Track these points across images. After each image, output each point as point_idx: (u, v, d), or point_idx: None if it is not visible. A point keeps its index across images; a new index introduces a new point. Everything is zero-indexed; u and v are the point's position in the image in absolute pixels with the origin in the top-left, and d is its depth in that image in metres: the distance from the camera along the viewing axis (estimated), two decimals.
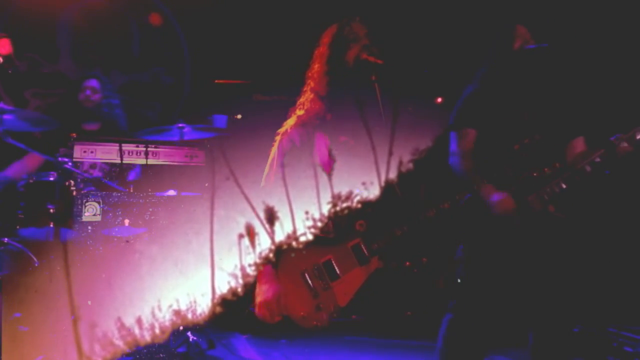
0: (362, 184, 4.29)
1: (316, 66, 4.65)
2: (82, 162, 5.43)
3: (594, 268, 4.94)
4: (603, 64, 5.40)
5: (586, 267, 4.19)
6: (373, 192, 4.27)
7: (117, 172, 5.42)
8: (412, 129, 4.36)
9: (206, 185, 5.16)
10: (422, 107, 4.77)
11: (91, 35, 7.15)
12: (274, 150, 4.59)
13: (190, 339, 5.37)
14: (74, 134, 5.51)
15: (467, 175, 4.18)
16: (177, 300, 4.50)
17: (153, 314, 4.45)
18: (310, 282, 4.28)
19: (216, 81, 6.58)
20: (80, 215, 5.13)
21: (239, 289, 4.36)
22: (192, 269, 4.52)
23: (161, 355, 5.02)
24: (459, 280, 4.20)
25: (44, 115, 5.55)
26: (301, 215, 4.26)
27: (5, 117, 5.11)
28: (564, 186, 3.93)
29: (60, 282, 4.71)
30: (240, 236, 4.28)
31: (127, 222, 5.19)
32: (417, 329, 5.66)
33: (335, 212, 4.29)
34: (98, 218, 5.14)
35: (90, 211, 5.14)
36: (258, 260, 4.30)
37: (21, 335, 4.73)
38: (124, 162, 5.33)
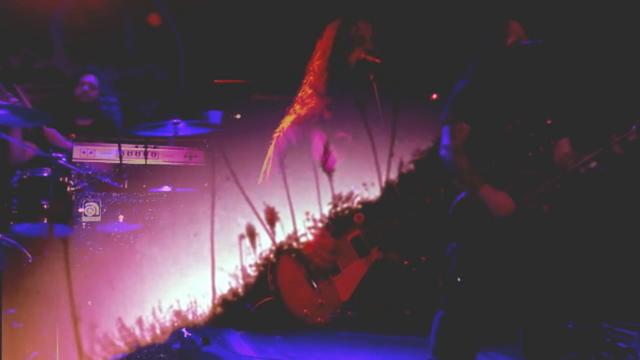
0: (363, 184, 4.31)
1: (317, 61, 4.65)
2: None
3: (586, 264, 4.99)
4: (597, 61, 5.43)
5: (577, 263, 4.24)
6: (374, 192, 4.30)
7: (115, 172, 5.39)
8: (411, 129, 4.38)
9: (205, 185, 5.14)
10: (419, 105, 4.79)
11: (85, 31, 7.10)
12: (271, 149, 4.60)
13: (185, 335, 5.37)
14: (73, 135, 5.48)
15: (461, 172, 4.19)
16: (178, 301, 4.51)
17: (154, 315, 4.46)
18: (311, 278, 4.29)
19: (215, 81, 6.55)
20: (81, 216, 5.10)
21: (240, 290, 4.38)
22: (193, 270, 4.54)
23: (162, 356, 5.01)
24: (449, 277, 4.22)
25: (37, 110, 5.50)
26: (302, 216, 4.28)
27: None
28: (557, 186, 3.98)
29: (57, 278, 4.69)
30: (241, 237, 4.29)
31: (122, 217, 5.18)
32: (414, 326, 5.67)
33: (336, 213, 4.31)
34: (98, 219, 5.12)
35: (91, 212, 5.12)
36: (259, 261, 4.32)
37: (19, 333, 4.72)
38: (123, 162, 5.29)
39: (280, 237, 4.28)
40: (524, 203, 4.01)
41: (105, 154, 5.37)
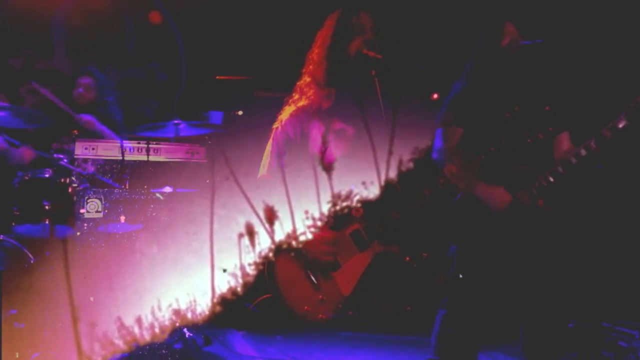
0: (362, 183, 4.30)
1: (317, 49, 4.64)
2: (76, 158, 5.42)
3: (585, 262, 4.98)
4: (593, 61, 5.43)
5: (577, 261, 4.23)
6: (373, 191, 4.29)
7: (117, 168, 5.40)
8: (412, 127, 4.37)
9: (207, 181, 5.15)
10: (420, 103, 4.79)
11: (86, 31, 7.10)
12: (270, 142, 4.61)
13: (187, 335, 5.37)
14: (76, 131, 5.50)
15: (456, 174, 4.19)
16: (177, 300, 4.50)
17: (153, 314, 4.45)
18: (311, 275, 4.29)
19: (217, 77, 6.56)
20: (83, 214, 5.11)
21: (239, 289, 4.37)
22: (192, 269, 4.52)
23: (163, 352, 5.02)
24: (451, 278, 4.22)
25: (38, 112, 5.52)
26: (301, 215, 4.27)
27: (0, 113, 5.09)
28: (551, 179, 3.96)
29: (58, 279, 4.69)
30: (240, 235, 4.29)
31: (123, 218, 5.19)
32: (415, 325, 5.66)
33: (336, 212, 4.30)
34: (100, 215, 5.13)
35: (93, 207, 5.13)
36: (258, 260, 4.31)
37: (19, 333, 4.72)
38: (125, 159, 5.31)
39: (280, 235, 4.26)
40: (519, 199, 4.01)
41: (108, 150, 5.38)
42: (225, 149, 4.58)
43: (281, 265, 4.36)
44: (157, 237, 4.92)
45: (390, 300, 5.62)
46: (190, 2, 6.70)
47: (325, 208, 4.29)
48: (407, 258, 4.67)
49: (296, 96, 4.68)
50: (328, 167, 4.35)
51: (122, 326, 4.37)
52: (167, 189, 5.41)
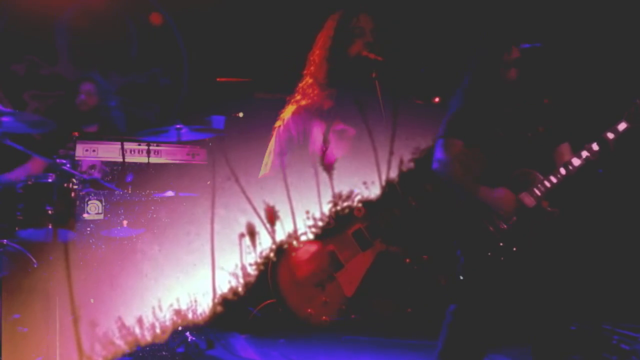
0: (363, 183, 4.31)
1: (318, 51, 4.67)
2: (81, 163, 5.44)
3: (587, 264, 4.97)
4: (593, 63, 5.44)
5: (579, 262, 4.22)
6: (374, 191, 4.30)
7: (118, 172, 5.41)
8: (413, 128, 4.38)
9: (208, 183, 5.16)
10: (421, 106, 4.80)
11: (89, 37, 7.13)
12: (272, 140, 4.62)
13: (189, 339, 5.37)
14: (77, 133, 5.51)
15: (457, 180, 4.17)
16: (178, 300, 4.51)
17: (154, 314, 4.46)
18: (314, 276, 4.28)
19: (217, 79, 6.57)
20: (83, 214, 5.13)
21: (240, 289, 4.38)
22: (193, 269, 4.54)
23: (163, 353, 5.01)
24: (460, 279, 4.20)
25: (42, 118, 5.54)
26: (302, 215, 4.28)
27: (4, 119, 5.11)
28: (554, 180, 3.96)
29: (61, 282, 4.70)
30: (242, 236, 4.29)
31: (126, 222, 5.19)
32: (417, 328, 5.65)
33: (337, 212, 4.31)
34: (101, 216, 5.14)
35: (94, 209, 5.14)
36: (259, 260, 4.32)
37: (21, 335, 4.72)
38: (126, 161, 5.32)
39: (281, 236, 4.27)
40: (523, 201, 4.00)
41: (108, 152, 5.40)
42: (226, 150, 4.60)
43: (283, 267, 4.35)
44: (158, 238, 4.93)
45: (392, 301, 5.60)
46: (190, 5, 6.72)
47: (326, 208, 4.29)
48: (408, 260, 4.65)
49: (298, 96, 4.72)
50: (328, 167, 4.36)
51: (123, 326, 4.39)
52: (170, 193, 5.42)
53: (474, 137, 4.14)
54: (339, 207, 4.29)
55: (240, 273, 4.33)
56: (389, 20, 4.89)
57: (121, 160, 5.28)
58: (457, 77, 4.42)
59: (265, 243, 4.30)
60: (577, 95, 4.64)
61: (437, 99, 5.66)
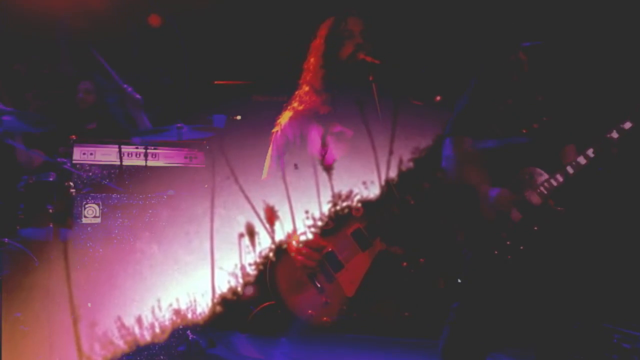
0: (363, 183, 4.30)
1: (312, 59, 4.69)
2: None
3: (593, 263, 4.95)
4: (596, 61, 5.42)
5: (586, 261, 4.21)
6: (373, 191, 4.29)
7: (116, 175, 5.43)
8: (412, 128, 4.37)
9: (206, 186, 5.17)
10: (421, 106, 4.79)
11: (90, 36, 7.13)
12: (270, 147, 4.63)
13: (190, 338, 5.37)
14: (74, 136, 5.52)
15: (466, 177, 4.17)
16: (177, 300, 4.51)
17: (153, 313, 4.46)
18: (313, 277, 4.27)
19: (215, 82, 6.58)
20: (80, 218, 5.14)
21: (239, 288, 4.37)
22: (193, 269, 4.54)
23: (162, 358, 5.02)
24: (465, 277, 4.20)
25: (43, 116, 5.55)
26: (301, 215, 4.27)
27: (4, 118, 5.12)
28: (560, 179, 3.96)
29: (60, 282, 4.71)
30: (241, 235, 4.29)
31: (123, 225, 5.20)
32: (421, 327, 5.64)
33: (336, 212, 4.30)
34: (98, 220, 5.15)
35: (91, 213, 5.15)
36: (258, 260, 4.31)
37: (21, 335, 4.74)
38: (123, 164, 5.34)
39: (280, 235, 4.27)
40: (526, 198, 3.99)
41: (106, 155, 5.41)
42: (224, 151, 4.61)
43: (282, 268, 4.35)
44: (157, 238, 4.94)
45: (392, 302, 5.60)
46: (187, 7, 6.72)
47: (326, 208, 4.29)
48: (404, 264, 4.63)
49: (295, 103, 4.71)
50: (328, 168, 4.36)
51: (122, 326, 4.39)
52: (170, 192, 5.42)
53: (481, 134, 4.14)
54: (337, 208, 4.28)
55: (239, 273, 4.32)
56: (384, 21, 4.89)
57: (119, 163, 5.30)
58: (458, 77, 4.42)
59: (264, 243, 4.29)
60: (577, 93, 4.61)
61: (438, 98, 5.66)
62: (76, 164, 5.37)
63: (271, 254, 4.30)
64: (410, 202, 4.36)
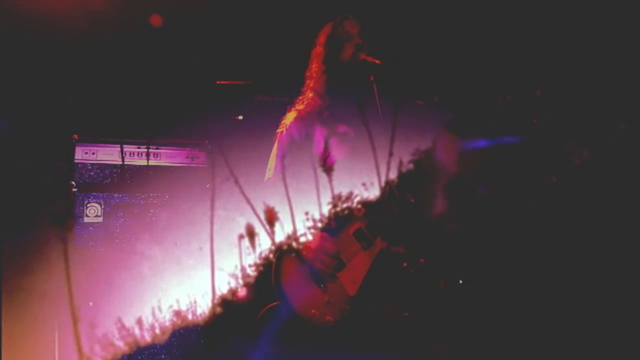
0: (362, 184, 4.31)
1: (314, 66, 4.72)
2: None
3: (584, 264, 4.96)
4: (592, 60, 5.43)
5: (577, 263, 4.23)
6: (373, 192, 4.30)
7: (118, 174, 5.44)
8: (412, 129, 4.37)
9: (207, 186, 5.19)
10: (421, 106, 4.79)
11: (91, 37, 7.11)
12: (275, 145, 4.65)
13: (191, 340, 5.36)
14: (76, 135, 5.54)
15: None
16: (178, 301, 4.52)
17: (153, 315, 4.47)
18: (316, 277, 4.28)
19: (217, 82, 6.57)
20: (82, 217, 5.16)
21: (239, 290, 4.38)
22: (193, 270, 4.54)
23: (163, 357, 5.02)
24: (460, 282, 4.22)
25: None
26: (301, 216, 4.28)
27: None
28: (554, 180, 3.97)
29: (60, 283, 4.72)
30: (241, 237, 4.29)
31: (125, 225, 5.22)
32: (424, 327, 5.64)
33: (336, 213, 4.31)
34: (100, 219, 5.17)
35: (93, 212, 5.17)
36: (258, 261, 4.31)
37: (21, 335, 4.75)
38: (125, 163, 5.36)
39: (280, 237, 4.27)
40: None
41: (108, 154, 5.42)
42: (225, 152, 4.61)
43: (285, 269, 4.36)
44: (157, 239, 4.95)
45: (392, 302, 5.60)
46: (189, 7, 6.71)
47: (326, 209, 4.29)
48: (404, 264, 4.64)
49: (300, 105, 4.74)
50: (329, 170, 4.37)
51: (122, 327, 4.40)
52: (165, 197, 5.44)
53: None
54: (338, 209, 4.28)
55: (239, 274, 4.32)
56: (382, 21, 4.90)
57: (120, 163, 5.31)
58: (457, 77, 4.44)
59: (264, 244, 4.30)
60: (576, 89, 4.63)
61: (435, 98, 5.67)
62: (78, 163, 5.37)
63: (274, 255, 4.31)
64: (411, 201, 4.36)
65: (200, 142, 5.66)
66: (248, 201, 4.24)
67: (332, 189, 4.27)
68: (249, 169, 4.55)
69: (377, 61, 4.52)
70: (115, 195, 5.29)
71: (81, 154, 5.38)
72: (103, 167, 5.42)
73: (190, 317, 4.49)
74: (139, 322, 4.42)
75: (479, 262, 4.26)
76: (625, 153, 3.93)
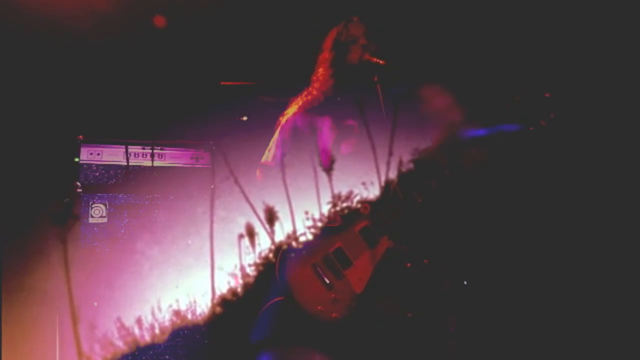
0: (362, 183, 4.30)
1: (321, 70, 4.73)
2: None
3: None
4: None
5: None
6: (373, 191, 4.29)
7: (122, 175, 5.46)
8: (412, 128, 4.36)
9: (212, 187, 5.21)
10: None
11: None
12: (276, 132, 4.66)
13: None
14: (81, 136, 5.56)
15: None
16: (177, 300, 4.53)
17: (153, 314, 4.48)
18: (322, 274, 4.27)
19: (222, 82, 6.57)
20: (87, 218, 5.19)
21: (239, 289, 4.38)
22: (192, 269, 4.55)
23: (167, 357, 5.03)
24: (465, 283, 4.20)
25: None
26: (301, 215, 4.27)
27: None
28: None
29: (60, 283, 4.74)
30: (240, 236, 4.30)
31: (129, 225, 5.24)
32: (425, 326, 5.62)
33: (342, 210, 4.31)
34: (105, 220, 5.20)
35: (98, 213, 5.19)
36: (258, 261, 4.32)
37: (21, 335, 4.77)
38: (130, 164, 5.39)
39: (280, 236, 4.27)
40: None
41: (113, 155, 5.45)
42: (226, 152, 4.62)
43: (291, 265, 4.35)
44: (157, 238, 4.97)
45: (397, 301, 5.59)
46: (195, 8, 6.73)
47: (325, 209, 4.29)
48: (408, 264, 4.62)
49: (305, 98, 4.75)
50: (329, 169, 4.37)
51: (122, 327, 4.42)
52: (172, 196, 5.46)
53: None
54: (338, 208, 4.27)
55: (239, 273, 4.33)
56: (385, 22, 4.90)
57: (125, 163, 5.34)
58: (457, 77, 4.42)
59: (264, 244, 4.30)
60: (581, 90, 4.59)
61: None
62: (83, 164, 5.40)
63: (278, 252, 4.31)
64: (418, 200, 4.35)
65: (205, 142, 5.67)
66: (248, 201, 4.25)
67: (332, 189, 4.27)
68: (250, 169, 4.55)
69: (381, 61, 4.52)
70: (120, 195, 5.31)
71: (86, 155, 5.41)
72: (108, 167, 5.44)
73: (189, 317, 4.50)
74: (139, 321, 4.44)
75: (483, 262, 4.23)
76: (626, 153, 3.89)
